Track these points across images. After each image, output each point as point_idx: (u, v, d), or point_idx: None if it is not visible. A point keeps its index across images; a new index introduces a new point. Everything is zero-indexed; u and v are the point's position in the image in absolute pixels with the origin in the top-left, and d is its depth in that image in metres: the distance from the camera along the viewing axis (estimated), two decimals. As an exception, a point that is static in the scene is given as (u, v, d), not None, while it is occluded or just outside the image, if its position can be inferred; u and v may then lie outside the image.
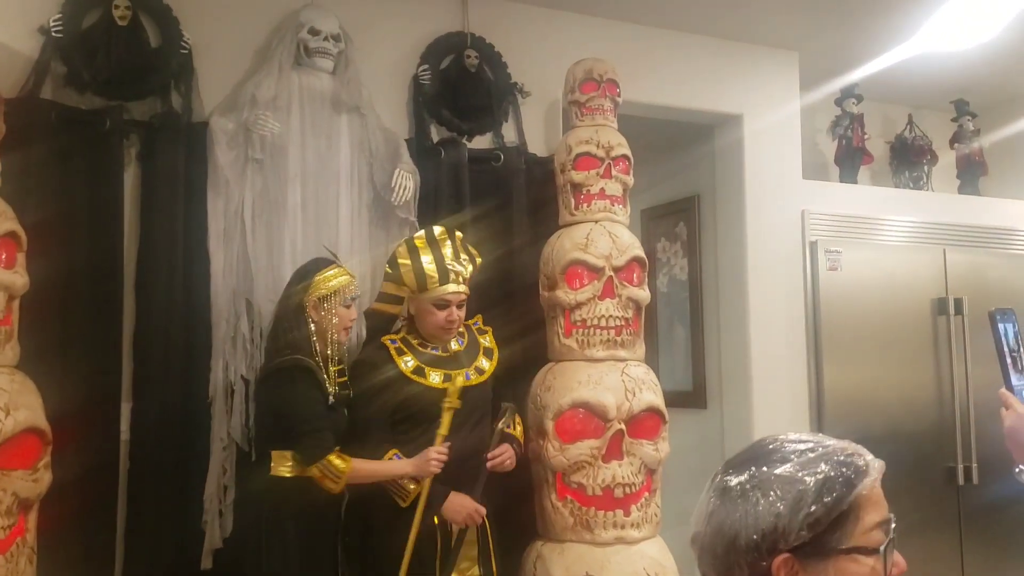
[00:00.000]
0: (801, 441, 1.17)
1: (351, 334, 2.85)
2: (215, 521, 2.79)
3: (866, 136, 4.56)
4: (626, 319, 3.15)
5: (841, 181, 4.54)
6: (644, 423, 3.05)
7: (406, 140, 3.28)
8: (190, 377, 2.85)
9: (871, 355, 4.16)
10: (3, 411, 2.24)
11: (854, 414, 4.10)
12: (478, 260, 2.93)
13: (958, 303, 4.33)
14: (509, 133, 3.56)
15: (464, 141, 3.43)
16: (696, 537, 1.19)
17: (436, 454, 2.63)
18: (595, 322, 3.11)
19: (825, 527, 1.10)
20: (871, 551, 1.10)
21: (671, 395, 4.29)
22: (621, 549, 2.92)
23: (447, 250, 2.82)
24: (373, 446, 2.68)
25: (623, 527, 2.95)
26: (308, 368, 2.60)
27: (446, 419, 2.68)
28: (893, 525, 1.15)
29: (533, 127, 3.62)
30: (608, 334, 3.11)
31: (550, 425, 2.99)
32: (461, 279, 2.82)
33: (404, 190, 3.11)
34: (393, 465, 2.65)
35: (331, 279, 2.70)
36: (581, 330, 3.12)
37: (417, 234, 2.91)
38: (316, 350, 2.66)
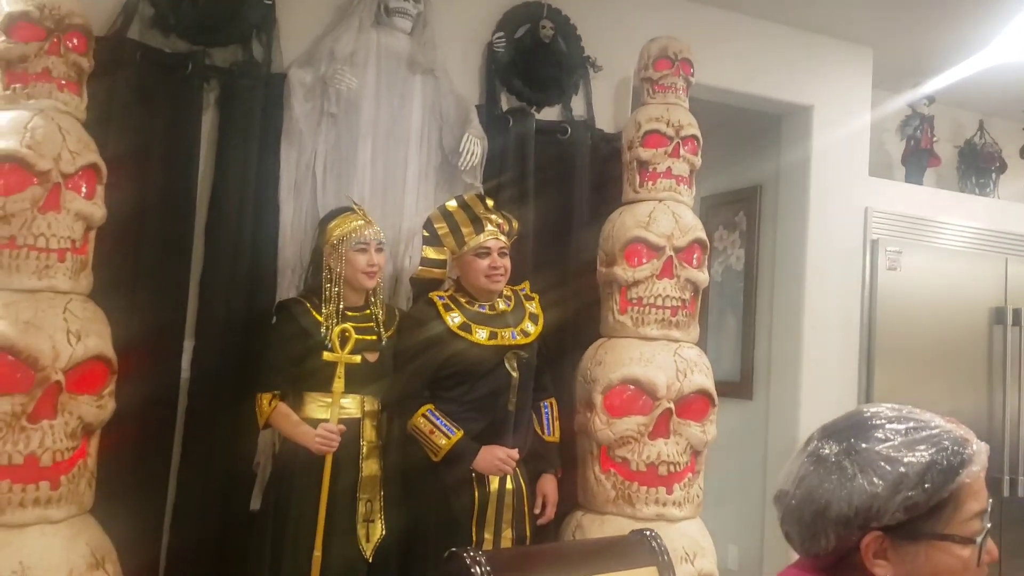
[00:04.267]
0: (905, 419, 1.15)
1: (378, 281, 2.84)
2: (267, 463, 2.85)
3: (935, 138, 4.51)
4: (683, 300, 3.15)
5: (906, 181, 4.48)
6: (693, 404, 3.05)
7: (476, 106, 3.30)
8: (252, 322, 2.89)
9: (924, 359, 4.13)
10: (75, 336, 2.32)
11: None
12: (514, 223, 2.94)
13: (1016, 314, 4.27)
14: (578, 107, 3.57)
15: (533, 112, 3.44)
16: (782, 496, 1.19)
17: (324, 431, 2.58)
18: (651, 301, 3.10)
19: (923, 512, 1.09)
20: (967, 540, 1.10)
21: (717, 384, 4.27)
22: (661, 526, 2.92)
23: (479, 209, 2.85)
24: (410, 400, 2.72)
25: (665, 504, 2.96)
26: (285, 307, 2.72)
27: (338, 383, 2.63)
28: (989, 511, 1.14)
29: (602, 103, 3.62)
30: (664, 314, 3.11)
31: (599, 399, 3.00)
32: (499, 229, 2.84)
33: (472, 155, 3.13)
34: (298, 431, 2.62)
35: (342, 224, 2.74)
36: (636, 308, 3.12)
37: (448, 201, 2.93)
38: (331, 294, 2.71)
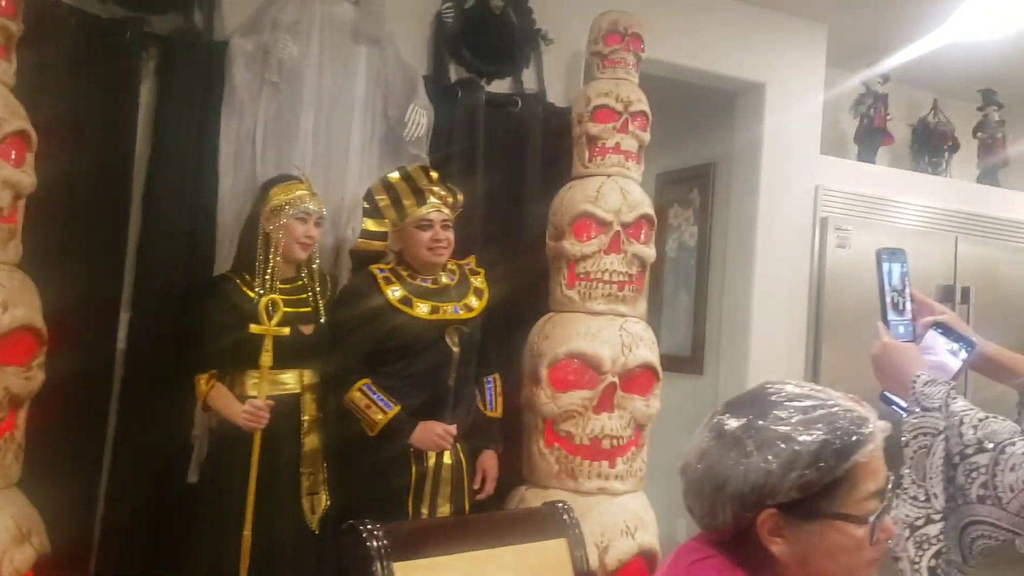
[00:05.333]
0: (805, 396, 1.14)
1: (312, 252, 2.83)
2: (205, 436, 2.82)
3: (889, 117, 4.52)
4: (630, 275, 3.15)
5: (859, 160, 4.50)
6: (638, 379, 3.06)
7: (424, 77, 3.26)
8: (188, 294, 2.84)
9: (871, 335, 4.15)
10: (1, 306, 2.26)
11: (850, 393, 4.09)
12: (460, 196, 2.91)
13: (965, 292, 4.32)
14: (529, 80, 3.54)
15: (483, 83, 3.41)
16: (686, 469, 1.18)
17: (251, 408, 2.56)
18: (599, 276, 3.10)
19: (817, 490, 1.08)
20: (861, 520, 1.09)
21: (670, 359, 4.31)
22: (603, 500, 2.95)
23: (422, 181, 2.82)
24: (346, 374, 2.70)
25: (607, 478, 2.97)
26: (215, 284, 2.71)
27: (266, 356, 2.60)
28: (889, 489, 1.14)
29: (554, 76, 3.59)
30: (610, 288, 3.11)
31: (544, 373, 3.00)
32: (442, 202, 2.81)
33: (417, 126, 3.10)
34: (230, 409, 2.60)
35: (285, 191, 2.71)
36: (584, 282, 3.11)
37: (391, 173, 2.89)
38: (263, 262, 2.67)
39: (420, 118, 3.11)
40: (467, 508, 2.83)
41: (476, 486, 2.91)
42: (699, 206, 4.57)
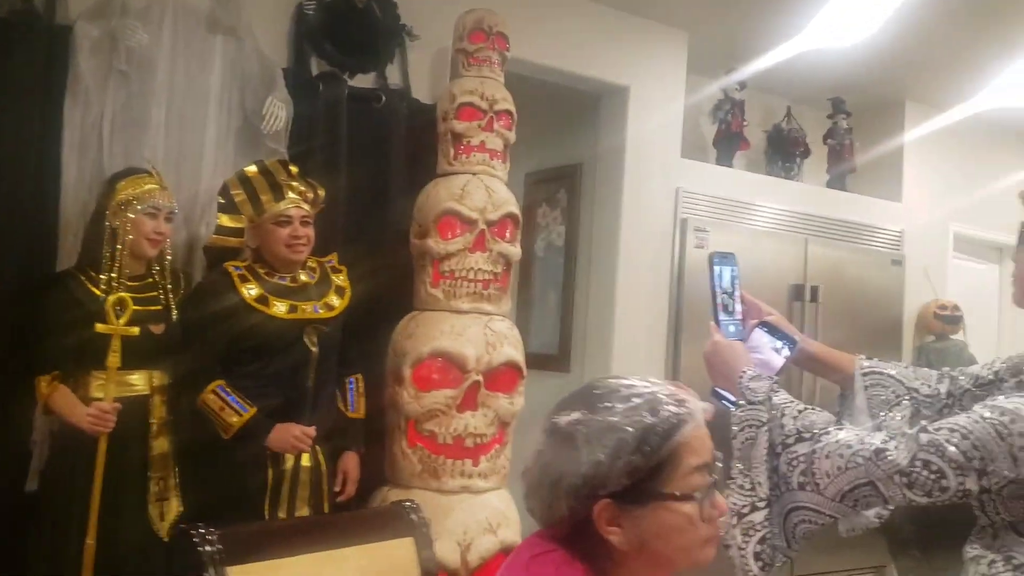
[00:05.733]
0: (629, 387, 1.18)
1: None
2: (45, 442, 2.66)
3: (745, 123, 4.68)
4: (495, 274, 3.15)
5: (718, 164, 4.65)
6: (502, 376, 3.07)
7: (283, 69, 3.18)
8: (28, 290, 2.68)
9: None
10: None
11: (707, 390, 4.20)
12: (321, 191, 2.86)
13: (814, 290, 4.52)
14: (394, 76, 3.50)
15: (345, 78, 3.34)
16: (525, 473, 1.20)
17: (96, 411, 2.47)
18: (463, 274, 3.10)
19: (645, 474, 1.11)
20: (689, 497, 1.12)
21: (538, 357, 4.36)
22: (466, 498, 2.94)
23: (281, 176, 2.75)
24: (199, 375, 2.61)
25: (470, 476, 2.97)
26: (58, 281, 2.59)
27: (113, 357, 2.52)
28: (719, 465, 1.18)
29: (419, 72, 3.56)
30: (475, 287, 3.11)
31: (408, 372, 2.97)
32: (302, 197, 2.76)
33: (275, 119, 3.02)
34: (74, 413, 2.49)
35: (134, 185, 2.60)
36: (448, 281, 3.10)
37: (248, 166, 2.82)
38: (110, 260, 2.56)
39: (278, 111, 3.03)
40: (327, 511, 2.77)
41: (337, 488, 2.86)
42: (566, 206, 4.62)
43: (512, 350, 3.10)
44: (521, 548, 1.20)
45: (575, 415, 1.14)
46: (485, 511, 2.93)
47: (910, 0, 3.68)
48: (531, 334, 4.59)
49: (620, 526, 1.12)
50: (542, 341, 4.57)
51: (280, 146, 3.08)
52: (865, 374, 1.77)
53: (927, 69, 4.68)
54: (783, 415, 1.47)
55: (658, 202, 4.25)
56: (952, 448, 1.32)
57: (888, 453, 1.35)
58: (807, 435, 1.44)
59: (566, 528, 1.15)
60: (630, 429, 1.11)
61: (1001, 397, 1.39)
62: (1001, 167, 5.25)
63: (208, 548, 1.39)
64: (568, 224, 4.58)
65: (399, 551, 1.61)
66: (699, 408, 1.17)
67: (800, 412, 1.47)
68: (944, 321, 4.98)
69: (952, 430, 1.34)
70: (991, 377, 1.72)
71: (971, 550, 1.49)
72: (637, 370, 4.03)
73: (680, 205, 4.30)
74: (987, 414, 1.33)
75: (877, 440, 1.38)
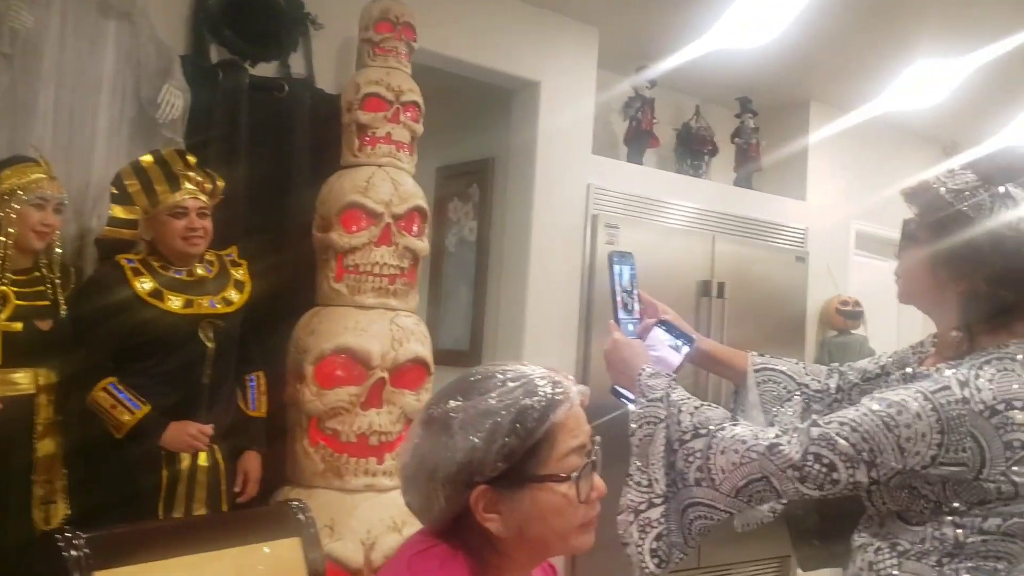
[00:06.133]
0: (505, 371, 1.17)
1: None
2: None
3: (655, 121, 4.72)
4: (401, 268, 3.11)
5: (628, 161, 4.68)
6: (408, 373, 3.03)
7: (181, 56, 3.08)
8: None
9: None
10: None
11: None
12: (219, 182, 2.79)
13: (721, 287, 4.59)
14: (298, 65, 3.42)
15: (247, 66, 3.25)
16: (403, 468, 1.18)
17: None
18: (368, 268, 3.04)
19: (521, 457, 1.10)
20: (565, 478, 1.12)
21: (449, 353, 4.34)
22: (370, 496, 2.90)
23: (178, 166, 2.67)
24: (90, 372, 2.52)
25: (375, 475, 2.92)
26: None
27: None
28: (596, 448, 1.18)
29: (324, 62, 3.49)
30: (381, 282, 3.06)
31: (309, 369, 2.91)
32: (199, 188, 2.68)
33: (171, 108, 2.93)
34: None
35: (19, 174, 2.50)
36: (353, 275, 3.04)
37: (143, 156, 2.73)
38: None
39: (175, 99, 2.94)
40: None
41: (237, 488, 2.79)
42: (478, 201, 4.60)
43: (419, 346, 3.06)
44: (403, 547, 1.18)
45: (451, 403, 1.13)
46: (390, 510, 2.88)
47: (813, 3, 3.75)
48: (442, 330, 4.56)
49: (498, 512, 1.11)
50: (453, 337, 4.54)
51: (177, 135, 2.99)
52: (757, 370, 1.79)
53: (831, 71, 4.79)
54: (680, 411, 1.48)
55: (569, 198, 4.26)
56: (842, 441, 1.34)
57: (781, 448, 1.37)
58: (703, 431, 1.44)
59: (446, 521, 1.13)
60: (505, 412, 1.10)
61: (888, 390, 1.42)
62: (901, 167, 5.41)
63: (73, 553, 1.32)
64: (480, 219, 4.56)
65: (284, 552, 1.56)
66: (575, 390, 1.17)
67: (697, 408, 1.48)
68: (846, 316, 5.12)
69: (842, 423, 1.36)
70: (878, 371, 1.76)
71: (859, 538, 1.51)
72: (549, 364, 4.06)
73: (591, 201, 4.32)
74: (875, 407, 1.36)
75: (771, 435, 1.40)
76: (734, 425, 1.44)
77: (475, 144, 4.62)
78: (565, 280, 4.22)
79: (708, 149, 4.99)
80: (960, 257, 1.45)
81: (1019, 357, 1.41)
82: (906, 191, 1.59)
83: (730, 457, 1.40)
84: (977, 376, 1.37)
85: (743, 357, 1.82)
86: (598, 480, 1.17)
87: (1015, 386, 1.36)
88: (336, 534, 2.82)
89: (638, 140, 4.68)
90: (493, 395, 1.12)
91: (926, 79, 4.55)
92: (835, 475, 1.34)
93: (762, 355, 1.81)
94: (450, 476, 1.10)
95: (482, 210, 4.55)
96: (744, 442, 1.40)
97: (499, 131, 4.42)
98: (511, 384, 1.13)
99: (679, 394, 1.51)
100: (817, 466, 1.34)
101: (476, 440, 1.09)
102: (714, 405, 1.50)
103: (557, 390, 1.14)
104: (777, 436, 1.39)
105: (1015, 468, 1.33)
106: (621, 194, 4.43)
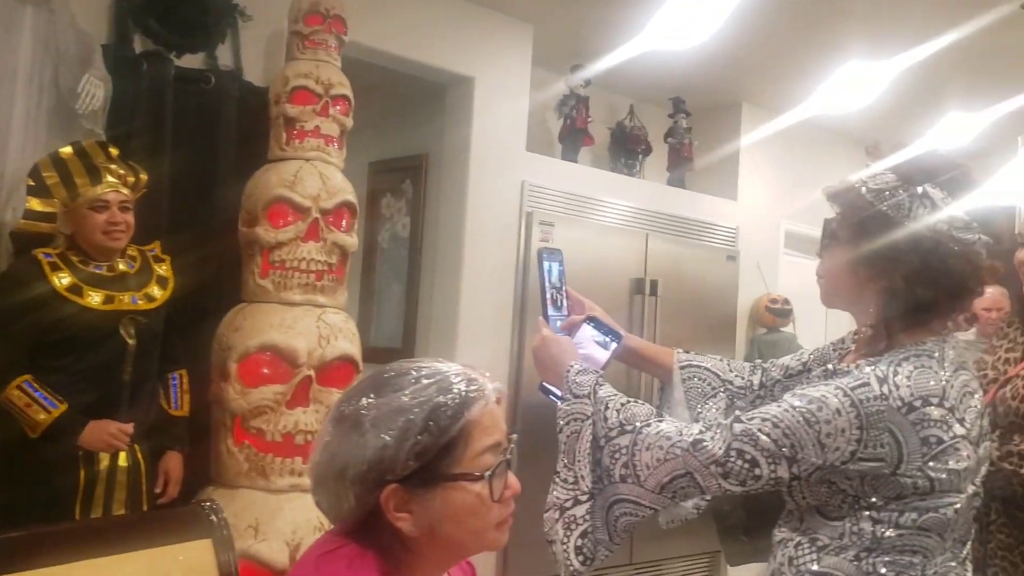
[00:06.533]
0: (419, 368, 1.15)
1: None
2: None
3: (590, 119, 4.73)
4: (329, 264, 3.06)
5: (563, 159, 4.68)
6: (336, 371, 2.99)
7: (102, 46, 2.99)
8: None
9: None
10: None
11: (550, 381, 4.25)
12: (143, 176, 2.72)
13: (653, 284, 4.62)
14: (225, 57, 3.35)
15: (172, 57, 3.17)
16: (312, 467, 1.15)
17: None
18: (295, 264, 3.00)
19: (433, 455, 1.08)
20: (479, 477, 1.11)
21: (380, 351, 4.29)
22: (296, 497, 2.85)
23: (99, 158, 2.60)
24: (3, 370, 2.43)
25: (300, 475, 2.87)
26: None
27: None
28: (512, 447, 1.16)
29: (253, 54, 3.43)
30: (308, 278, 3.01)
31: (233, 367, 2.86)
32: (121, 181, 2.61)
33: (92, 98, 2.84)
34: None
35: None
36: (279, 271, 2.99)
37: (63, 147, 2.65)
38: None
39: (95, 90, 2.86)
40: None
41: (158, 489, 2.73)
42: (412, 197, 4.57)
43: (347, 344, 3.02)
44: (312, 547, 1.15)
45: (363, 401, 1.11)
46: (316, 510, 2.80)
47: (744, 7, 3.79)
48: (373, 327, 4.52)
49: (410, 512, 1.09)
50: (385, 334, 4.50)
51: (97, 127, 2.91)
52: (682, 367, 1.81)
53: (762, 73, 4.87)
54: (607, 408, 1.48)
55: (504, 195, 4.25)
56: (764, 437, 1.35)
57: (704, 444, 1.37)
58: (629, 427, 1.44)
59: (356, 521, 1.11)
60: (418, 410, 1.08)
61: (809, 386, 1.43)
62: (829, 168, 5.51)
63: (-37, 558, 1.26)
64: (413, 215, 4.52)
65: (195, 554, 1.51)
66: (491, 387, 1.15)
67: (623, 405, 1.48)
68: (775, 314, 5.20)
69: (764, 419, 1.37)
70: (800, 367, 1.78)
71: (779, 533, 1.53)
72: (483, 363, 4.03)
73: (526, 199, 4.31)
74: (796, 403, 1.37)
75: (695, 431, 1.40)
76: (660, 422, 1.45)
77: (409, 139, 4.59)
78: (499, 277, 4.21)
79: (642, 148, 5.02)
80: (879, 256, 1.47)
81: (936, 354, 1.43)
82: (828, 191, 1.61)
83: (655, 453, 1.40)
84: (895, 373, 1.39)
85: (669, 354, 1.83)
86: (512, 479, 1.16)
87: (932, 383, 1.38)
88: (260, 535, 2.77)
89: (573, 138, 4.69)
90: (406, 392, 1.10)
91: (854, 82, 4.65)
92: (757, 471, 1.35)
93: (687, 352, 1.83)
94: (360, 475, 1.07)
95: (415, 206, 4.52)
96: (669, 438, 1.40)
97: (433, 127, 4.38)
98: (425, 381, 1.11)
99: (606, 391, 1.51)
100: (740, 462, 1.35)
101: (387, 438, 1.06)
102: (641, 402, 1.50)
103: (472, 387, 1.12)
104: (701, 432, 1.40)
105: (931, 464, 1.35)
106: (556, 192, 4.43)
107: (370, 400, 1.10)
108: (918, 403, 1.36)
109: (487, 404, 1.13)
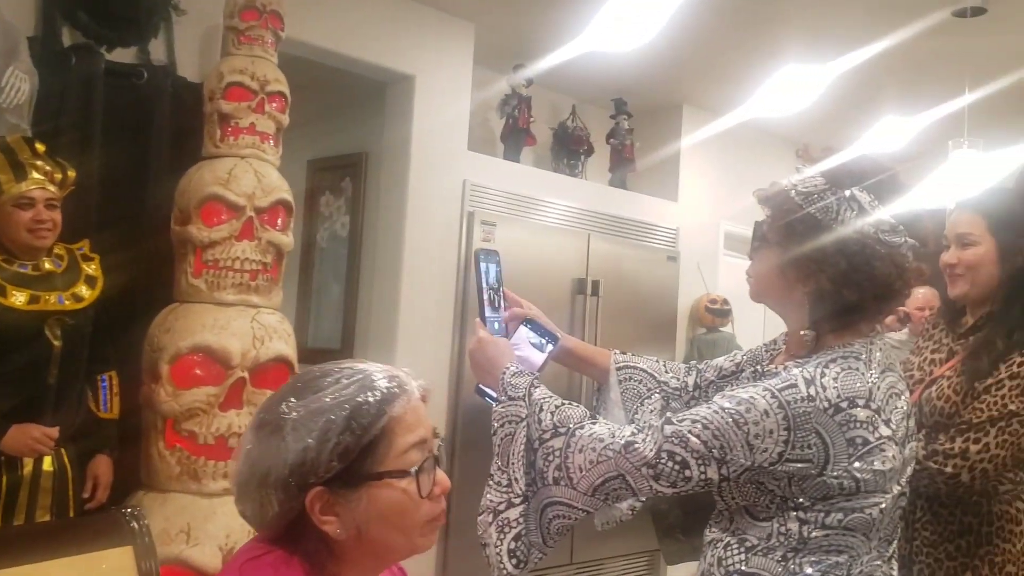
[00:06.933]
0: (341, 369, 1.13)
1: None
2: None
3: (532, 119, 4.73)
4: (264, 264, 3.01)
5: (505, 158, 4.67)
6: (270, 373, 2.94)
7: (29, 38, 2.91)
8: None
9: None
10: None
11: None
12: (71, 172, 2.65)
13: (595, 284, 4.64)
14: (159, 52, 3.28)
15: (102, 51, 3.09)
16: (234, 475, 1.12)
17: None
18: (229, 264, 2.94)
19: (357, 455, 1.07)
20: (404, 474, 1.09)
21: (319, 352, 4.23)
22: (229, 500, 2.76)
23: (24, 154, 2.53)
24: None
25: (234, 478, 2.82)
26: None
27: None
28: (439, 443, 1.15)
29: (188, 50, 3.36)
30: (242, 277, 2.96)
31: (165, 369, 2.80)
32: (47, 178, 2.55)
33: (17, 92, 2.77)
34: None
35: None
36: (212, 271, 2.94)
37: None
38: None
39: (21, 83, 2.78)
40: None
41: (86, 494, 2.66)
42: (351, 195, 4.52)
43: (282, 344, 2.98)
44: (236, 554, 1.13)
45: (283, 405, 1.09)
46: (248, 514, 2.79)
47: (684, 10, 3.82)
48: (312, 328, 4.47)
49: (336, 514, 1.07)
50: (324, 335, 4.45)
51: (23, 122, 2.83)
52: (619, 368, 1.81)
53: (702, 76, 4.91)
54: (541, 410, 1.47)
55: (445, 194, 4.23)
56: (694, 439, 1.35)
57: (636, 446, 1.38)
58: (563, 430, 1.44)
59: (281, 527, 1.09)
60: (338, 410, 1.06)
61: (739, 388, 1.44)
62: (767, 170, 5.52)
63: None
64: (353, 214, 4.48)
65: (115, 561, 1.47)
66: (415, 384, 1.14)
67: (558, 407, 1.47)
68: (714, 314, 5.26)
69: (694, 421, 1.37)
70: (733, 368, 1.80)
71: (709, 533, 1.53)
72: (423, 363, 4.04)
73: (467, 198, 4.29)
74: (726, 404, 1.38)
75: (627, 433, 1.40)
76: (593, 424, 1.44)
77: (349, 137, 4.54)
78: (440, 277, 4.19)
79: (584, 149, 5.03)
80: (807, 258, 1.49)
81: (863, 356, 1.45)
82: (759, 194, 1.62)
83: (588, 456, 1.40)
84: (823, 375, 1.40)
85: (606, 355, 1.84)
86: (441, 475, 1.14)
87: (858, 384, 1.40)
88: (193, 539, 2.71)
89: (515, 138, 4.68)
90: (327, 393, 1.08)
91: (792, 85, 4.72)
92: (687, 472, 1.35)
93: (624, 353, 1.83)
94: (283, 480, 1.05)
95: (355, 205, 4.48)
96: (601, 440, 1.40)
97: (373, 125, 4.35)
98: (345, 381, 1.10)
99: (541, 392, 1.50)
100: (670, 464, 1.35)
101: (309, 440, 1.05)
102: (575, 404, 1.49)
103: (392, 384, 1.11)
104: (633, 434, 1.40)
105: (857, 464, 1.37)
106: (498, 191, 4.42)
107: (290, 403, 1.08)
108: (844, 404, 1.38)
109: (410, 401, 1.11)
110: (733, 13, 4.03)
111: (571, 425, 1.44)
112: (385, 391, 1.09)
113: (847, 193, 1.49)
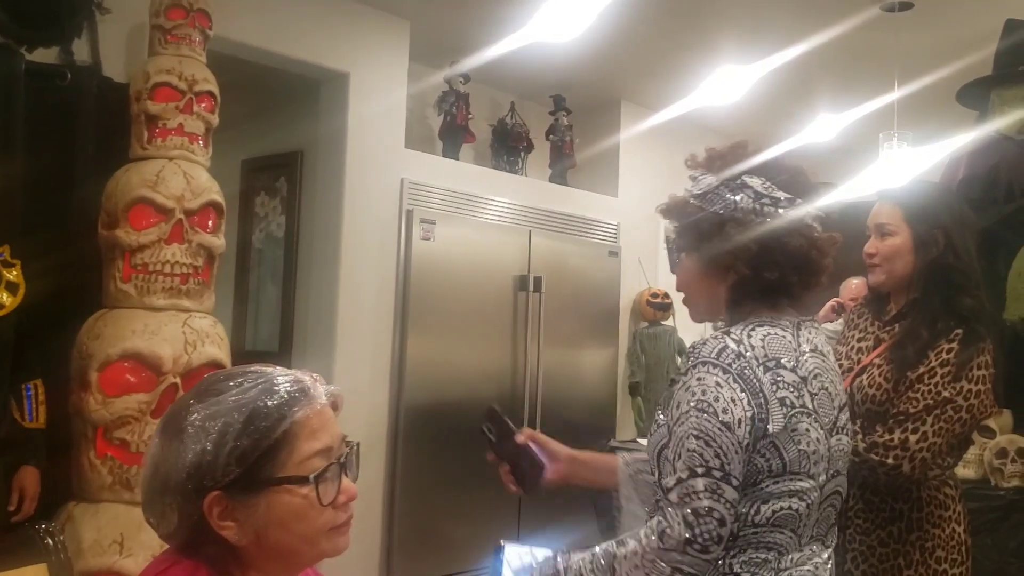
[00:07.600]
0: (246, 373, 1.11)
1: None
2: None
3: (470, 116, 4.72)
4: (195, 267, 2.95)
5: (444, 156, 4.65)
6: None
7: (-56, 38, 2.81)
8: None
9: (456, 323, 4.33)
10: None
11: (434, 380, 4.23)
12: None
13: (537, 281, 4.64)
14: (82, 52, 3.19)
15: (23, 52, 3.00)
16: (140, 484, 1.10)
17: None
18: (158, 268, 2.88)
19: (255, 460, 1.05)
20: (304, 480, 1.07)
21: (256, 355, 4.16)
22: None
23: None
24: None
25: (167, 486, 2.77)
26: None
27: None
28: (350, 451, 1.13)
29: (114, 50, 3.28)
30: (172, 281, 2.90)
31: (94, 376, 2.73)
32: None
33: (-69, 94, 2.66)
34: None
35: None
36: (142, 275, 2.87)
37: None
38: None
39: (-66, 84, 2.67)
40: None
41: (12, 507, 2.58)
42: (287, 195, 4.46)
43: (215, 349, 2.92)
44: (146, 568, 1.10)
45: (184, 410, 1.07)
46: (183, 522, 2.74)
47: (621, 5, 3.82)
48: (248, 331, 4.41)
49: (235, 520, 1.05)
50: (261, 337, 4.39)
51: (-63, 124, 2.72)
52: (628, 464, 1.78)
53: (639, 72, 4.94)
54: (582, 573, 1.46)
55: (382, 193, 4.19)
56: (699, 469, 1.36)
57: (668, 531, 1.37)
58: (607, 567, 1.42)
59: (184, 535, 1.06)
60: (237, 413, 1.05)
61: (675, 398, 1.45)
62: (705, 164, 5.66)
63: None
64: (288, 214, 4.42)
65: (30, 581, 1.43)
66: (323, 390, 1.12)
67: (590, 560, 1.46)
68: (656, 308, 5.30)
69: (673, 461, 1.39)
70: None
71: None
72: (363, 363, 4.00)
73: (405, 196, 4.26)
74: (685, 412, 1.40)
75: (653, 527, 1.39)
76: (618, 546, 1.43)
77: (282, 136, 4.48)
78: (379, 277, 4.15)
79: (524, 145, 5.03)
80: (722, 252, 1.52)
81: (790, 330, 1.50)
82: (660, 209, 1.66)
83: (639, 574, 1.38)
84: (749, 336, 1.45)
85: (611, 458, 1.82)
86: (348, 483, 1.12)
87: (784, 348, 1.45)
88: (126, 550, 2.66)
89: (453, 135, 4.66)
90: (229, 396, 1.06)
91: (728, 81, 4.77)
92: (716, 514, 1.35)
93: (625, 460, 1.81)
94: (180, 484, 1.03)
95: (291, 205, 4.42)
96: (637, 553, 1.39)
97: (308, 123, 4.29)
98: (248, 385, 1.08)
99: (569, 561, 1.49)
100: (703, 521, 1.35)
101: (207, 443, 1.03)
102: (593, 548, 1.48)
103: (295, 388, 1.09)
104: (658, 524, 1.39)
105: (790, 434, 1.40)
106: (437, 189, 4.40)
107: (192, 407, 1.06)
108: (771, 364, 1.43)
109: (315, 408, 1.09)
110: (668, 8, 4.06)
111: (610, 561, 1.43)
112: (287, 395, 1.08)
113: (737, 181, 1.52)
